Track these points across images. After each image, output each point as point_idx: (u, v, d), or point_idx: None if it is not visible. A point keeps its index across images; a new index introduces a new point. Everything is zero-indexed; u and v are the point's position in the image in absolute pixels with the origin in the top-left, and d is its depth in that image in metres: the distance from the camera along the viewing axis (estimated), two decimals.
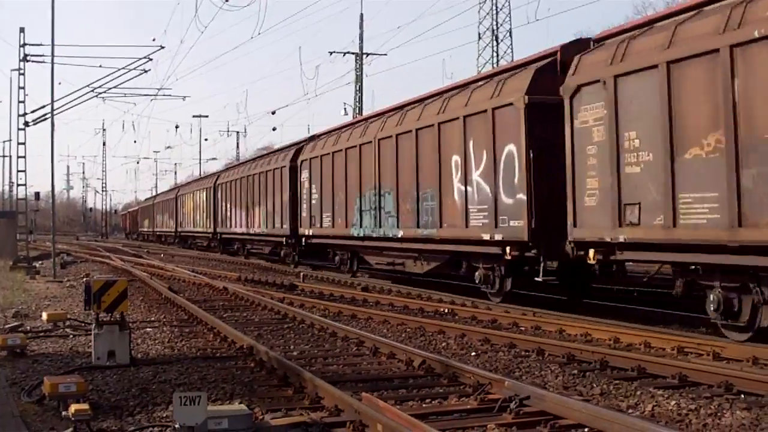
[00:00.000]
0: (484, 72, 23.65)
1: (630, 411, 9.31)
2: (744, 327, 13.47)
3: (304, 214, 34.84)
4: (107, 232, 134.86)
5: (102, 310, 12.60)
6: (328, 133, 34.94)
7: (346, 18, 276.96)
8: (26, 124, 37.43)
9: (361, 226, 28.28)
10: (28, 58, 37.47)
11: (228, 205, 50.57)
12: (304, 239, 35.57)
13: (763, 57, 12.57)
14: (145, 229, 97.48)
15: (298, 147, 37.83)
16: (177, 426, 7.92)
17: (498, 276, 20.35)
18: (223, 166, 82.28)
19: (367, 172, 27.68)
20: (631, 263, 18.21)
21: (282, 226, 38.30)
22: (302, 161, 35.46)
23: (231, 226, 49.87)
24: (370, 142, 27.35)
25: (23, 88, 37.71)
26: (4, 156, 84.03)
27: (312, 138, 37.36)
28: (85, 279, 20.05)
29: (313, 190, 33.83)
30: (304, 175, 35.09)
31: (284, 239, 38.75)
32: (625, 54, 15.64)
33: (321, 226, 32.80)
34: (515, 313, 18.00)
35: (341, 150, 30.32)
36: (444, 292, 22.80)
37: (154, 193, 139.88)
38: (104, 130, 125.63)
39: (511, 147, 19.05)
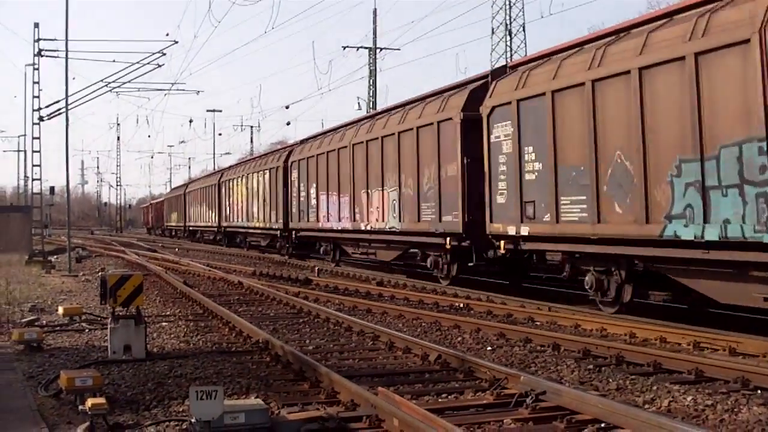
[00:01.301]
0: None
1: (646, 406, 9.30)
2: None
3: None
4: (122, 226, 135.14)
5: (118, 305, 12.64)
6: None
7: (359, 13, 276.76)
8: (41, 118, 37.57)
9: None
10: (42, 53, 37.62)
11: (313, 190, 36.30)
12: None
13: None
14: (173, 224, 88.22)
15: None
16: (193, 420, 7.93)
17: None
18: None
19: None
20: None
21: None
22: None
23: (326, 220, 34.64)
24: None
25: (38, 82, 37.91)
26: (19, 151, 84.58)
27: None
28: (100, 273, 20.08)
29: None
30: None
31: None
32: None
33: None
34: (531, 307, 17.99)
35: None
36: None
37: (168, 188, 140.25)
38: (118, 124, 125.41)
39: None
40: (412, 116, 25.78)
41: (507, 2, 62.84)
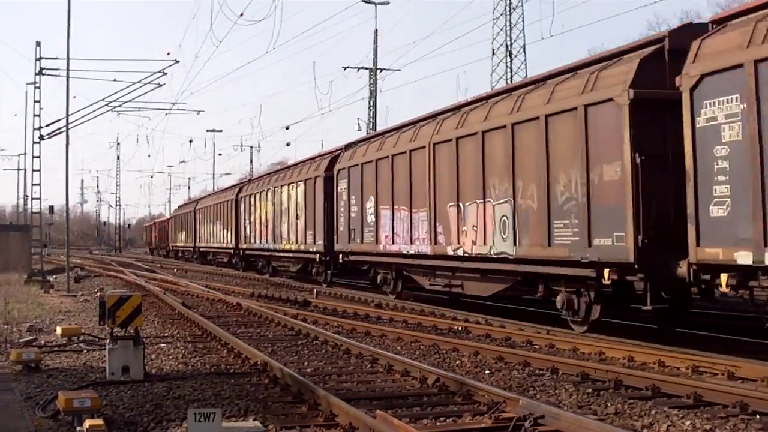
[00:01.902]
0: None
1: (645, 430, 9.30)
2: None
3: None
4: (120, 246, 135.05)
5: (116, 325, 12.63)
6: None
7: (360, 33, 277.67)
8: (41, 137, 37.64)
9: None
10: (43, 71, 37.70)
11: (370, 204, 29.25)
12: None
13: None
14: (181, 244, 79.88)
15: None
16: None
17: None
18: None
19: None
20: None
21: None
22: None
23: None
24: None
25: (38, 101, 37.97)
26: (19, 170, 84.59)
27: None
28: (99, 294, 20.07)
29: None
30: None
31: (233, 251, 51.71)
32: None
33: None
34: (529, 331, 17.98)
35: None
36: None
37: (168, 208, 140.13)
38: (118, 144, 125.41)
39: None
40: (534, 102, 19.20)
41: (507, 24, 62.99)
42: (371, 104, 65.09)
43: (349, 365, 14.23)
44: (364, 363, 14.30)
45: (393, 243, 26.38)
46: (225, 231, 55.88)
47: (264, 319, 21.58)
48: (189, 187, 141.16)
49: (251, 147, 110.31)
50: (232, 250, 54.29)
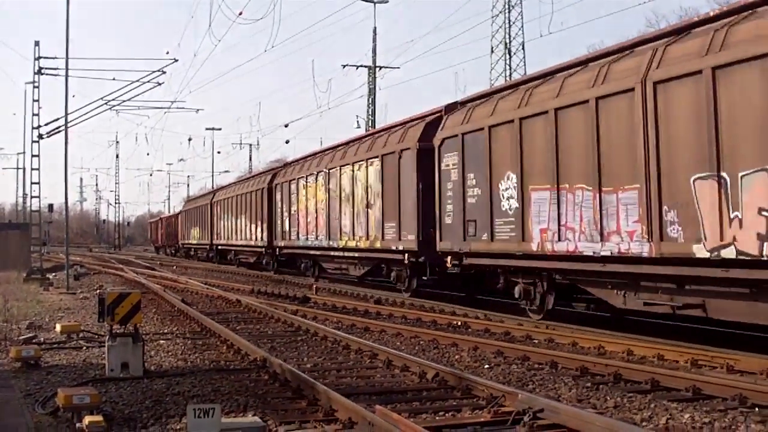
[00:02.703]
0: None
1: (644, 424, 9.30)
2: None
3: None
4: (120, 244, 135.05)
5: (116, 322, 12.64)
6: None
7: (359, 31, 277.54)
8: (40, 136, 37.65)
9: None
10: (42, 71, 37.69)
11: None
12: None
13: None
14: (193, 242, 70.85)
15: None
16: None
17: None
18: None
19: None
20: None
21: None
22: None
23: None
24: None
25: (37, 100, 37.97)
26: (18, 168, 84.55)
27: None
28: (98, 291, 20.07)
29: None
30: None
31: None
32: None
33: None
34: (528, 325, 18.00)
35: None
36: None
37: (168, 205, 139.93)
38: (117, 142, 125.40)
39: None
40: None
41: (506, 21, 62.99)
42: (370, 102, 65.12)
43: (349, 361, 14.24)
44: (364, 358, 14.31)
45: (560, 239, 18.02)
46: (253, 226, 47.27)
47: (263, 316, 21.59)
48: (188, 185, 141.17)
49: (250, 145, 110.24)
50: (262, 249, 45.73)
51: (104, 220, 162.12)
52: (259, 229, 45.89)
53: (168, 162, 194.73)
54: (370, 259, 30.62)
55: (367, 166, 29.55)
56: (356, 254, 31.51)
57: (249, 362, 13.90)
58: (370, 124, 63.07)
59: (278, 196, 42.26)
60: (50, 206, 53.99)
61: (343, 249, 32.32)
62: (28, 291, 30.65)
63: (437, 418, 9.67)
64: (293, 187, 39.55)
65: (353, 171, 30.98)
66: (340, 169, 32.44)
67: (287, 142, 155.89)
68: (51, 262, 53.94)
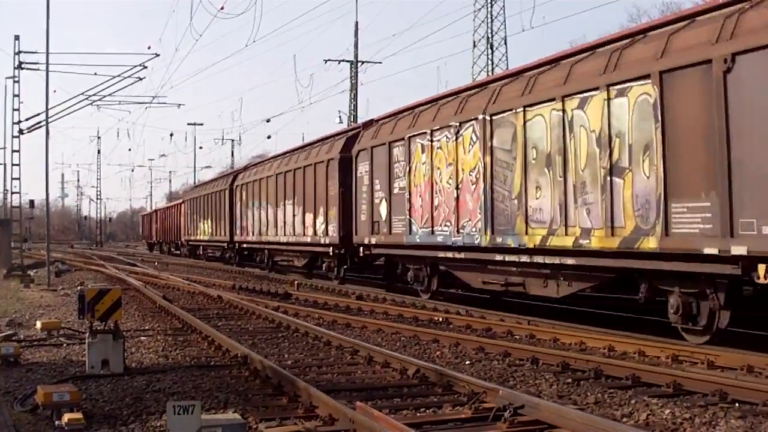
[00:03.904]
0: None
1: (624, 420, 9.31)
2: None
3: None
4: (102, 240, 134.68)
5: (96, 319, 12.57)
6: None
7: (340, 26, 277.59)
8: (21, 131, 37.49)
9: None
10: (22, 65, 37.51)
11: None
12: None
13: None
14: (204, 238, 57.78)
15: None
16: None
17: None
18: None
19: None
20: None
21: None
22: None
23: None
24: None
25: (18, 95, 37.77)
26: None
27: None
28: (79, 288, 20.00)
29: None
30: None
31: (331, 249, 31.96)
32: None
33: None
34: (510, 321, 18.01)
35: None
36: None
37: (150, 201, 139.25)
38: (99, 137, 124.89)
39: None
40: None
41: (489, 16, 63.12)
42: (352, 97, 65.23)
43: (330, 357, 14.21)
44: (345, 354, 14.29)
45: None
46: (309, 216, 34.02)
47: (245, 312, 21.56)
48: (170, 181, 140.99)
49: (232, 140, 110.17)
50: (328, 248, 31.91)
51: (86, 217, 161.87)
52: (318, 220, 33.05)
53: (150, 158, 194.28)
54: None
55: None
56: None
57: (230, 359, 13.87)
58: (352, 119, 63.08)
59: (359, 170, 28.43)
60: (31, 202, 53.81)
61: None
62: (9, 288, 30.58)
63: (418, 414, 9.65)
64: (393, 151, 26.24)
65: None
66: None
67: (269, 137, 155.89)
68: (32, 259, 53.73)
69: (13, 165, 38.26)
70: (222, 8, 38.33)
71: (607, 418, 9.08)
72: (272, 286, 30.62)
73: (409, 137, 24.29)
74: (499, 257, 19.83)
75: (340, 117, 65.13)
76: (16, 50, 37.50)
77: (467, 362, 13.46)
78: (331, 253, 32.00)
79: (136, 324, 19.26)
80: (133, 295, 26.84)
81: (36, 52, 37.66)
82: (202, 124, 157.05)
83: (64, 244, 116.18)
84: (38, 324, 17.47)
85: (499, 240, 19.55)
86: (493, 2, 63.02)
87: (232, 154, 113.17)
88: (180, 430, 7.82)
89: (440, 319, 18.97)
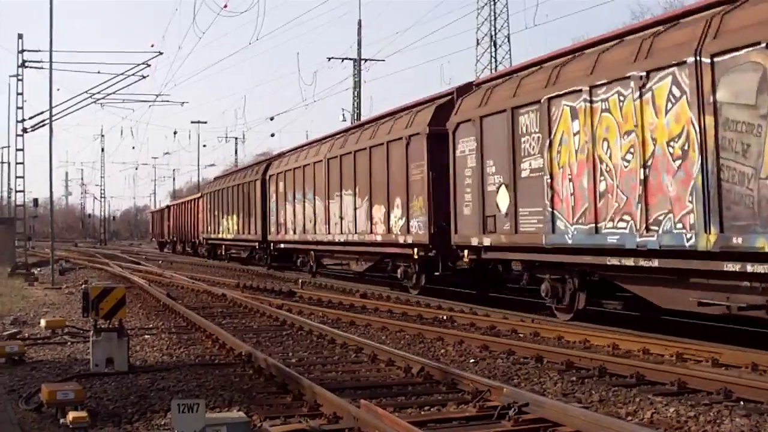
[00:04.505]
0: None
1: (629, 418, 9.30)
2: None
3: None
4: (105, 238, 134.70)
5: (100, 317, 12.58)
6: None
7: (344, 24, 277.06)
8: (24, 130, 37.40)
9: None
10: (26, 64, 37.46)
11: None
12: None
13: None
14: (228, 237, 50.39)
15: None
16: None
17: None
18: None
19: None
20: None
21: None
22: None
23: None
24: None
25: (21, 94, 37.71)
26: (2, 162, 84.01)
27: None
28: (83, 286, 20.02)
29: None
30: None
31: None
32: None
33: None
34: (514, 319, 18.00)
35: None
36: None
37: (154, 199, 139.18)
38: (102, 136, 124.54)
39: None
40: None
41: (492, 14, 63.10)
42: (356, 95, 65.19)
43: (334, 355, 14.21)
44: (349, 353, 14.29)
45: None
46: (379, 210, 27.27)
47: (249, 310, 21.55)
48: (174, 179, 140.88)
49: (236, 138, 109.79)
50: (410, 249, 24.87)
51: (90, 215, 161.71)
52: (405, 214, 25.32)
53: (153, 156, 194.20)
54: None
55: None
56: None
57: (234, 357, 13.87)
58: (355, 117, 63.03)
59: (464, 147, 22.06)
60: (35, 201, 53.89)
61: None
62: (13, 286, 30.57)
63: (422, 412, 9.65)
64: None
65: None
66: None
67: (272, 135, 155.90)
68: (36, 257, 53.70)
69: (17, 163, 38.26)
70: (225, 6, 38.03)
71: (611, 416, 9.07)
72: (276, 284, 30.58)
73: (549, 99, 17.62)
74: (732, 267, 13.24)
75: (343, 115, 65.05)
76: (20, 48, 37.46)
77: (471, 360, 13.45)
78: (415, 256, 24.46)
79: (140, 322, 19.26)
80: (137, 293, 26.86)
81: (39, 51, 37.60)
82: (205, 122, 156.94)
83: (68, 243, 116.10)
84: (42, 322, 17.49)
85: (736, 241, 13.03)
86: (496, 0, 62.98)
87: (236, 152, 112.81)
88: (185, 428, 7.82)
89: (444, 318, 18.95)
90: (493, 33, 63.06)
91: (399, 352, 13.24)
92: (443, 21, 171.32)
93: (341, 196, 30.39)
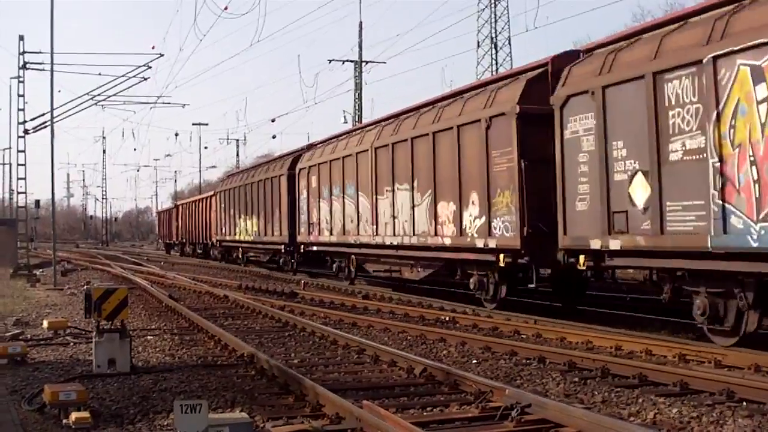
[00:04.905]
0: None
1: (631, 419, 9.30)
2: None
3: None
4: (107, 239, 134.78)
5: (102, 318, 12.59)
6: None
7: (345, 26, 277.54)
8: (26, 131, 37.45)
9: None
10: (27, 65, 37.49)
11: None
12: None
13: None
14: (247, 239, 45.85)
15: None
16: None
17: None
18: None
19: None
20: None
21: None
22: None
23: None
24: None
25: (23, 95, 37.74)
26: (4, 164, 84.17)
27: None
28: (85, 287, 20.04)
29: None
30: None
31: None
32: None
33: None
34: (516, 320, 17.98)
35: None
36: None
37: (155, 201, 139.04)
38: (104, 137, 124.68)
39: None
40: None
41: (492, 16, 63.06)
42: (357, 97, 65.05)
43: (336, 356, 14.21)
44: (351, 353, 14.29)
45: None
46: (447, 207, 22.58)
47: (251, 311, 21.55)
48: (175, 181, 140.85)
49: (237, 140, 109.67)
50: (493, 254, 20.30)
51: (91, 216, 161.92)
52: (485, 213, 20.61)
53: (155, 157, 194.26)
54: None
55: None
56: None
57: (236, 358, 13.87)
58: (356, 119, 63.03)
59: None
60: (37, 202, 53.97)
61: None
62: (15, 287, 30.59)
63: (425, 413, 9.66)
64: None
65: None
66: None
67: (274, 137, 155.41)
68: (38, 258, 53.73)
69: (18, 165, 38.41)
70: (226, 8, 37.96)
71: (614, 417, 9.07)
72: (278, 285, 30.59)
73: (714, 58, 13.39)
74: None
75: (345, 117, 65.00)
76: (21, 50, 37.50)
77: (474, 361, 13.45)
78: (501, 263, 19.66)
79: (142, 323, 19.26)
80: (139, 295, 26.86)
81: (41, 52, 37.66)
82: (207, 124, 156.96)
83: (69, 244, 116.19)
84: (45, 323, 17.49)
85: None
86: (497, 2, 62.98)
87: (237, 154, 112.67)
88: (187, 429, 7.83)
89: (447, 319, 18.94)
90: (493, 35, 63.05)
91: (401, 353, 13.24)
92: (444, 23, 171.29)
93: (393, 191, 25.54)
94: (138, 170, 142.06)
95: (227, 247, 52.85)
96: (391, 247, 25.97)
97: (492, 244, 19.83)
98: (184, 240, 71.03)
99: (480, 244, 20.32)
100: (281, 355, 14.30)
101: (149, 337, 16.79)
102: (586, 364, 12.41)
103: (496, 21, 63.05)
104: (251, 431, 8.28)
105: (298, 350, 14.98)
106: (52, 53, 33.26)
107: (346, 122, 63.52)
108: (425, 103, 25.67)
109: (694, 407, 9.71)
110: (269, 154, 75.81)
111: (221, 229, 52.79)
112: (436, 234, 22.62)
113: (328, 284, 30.66)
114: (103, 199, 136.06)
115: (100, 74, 42.21)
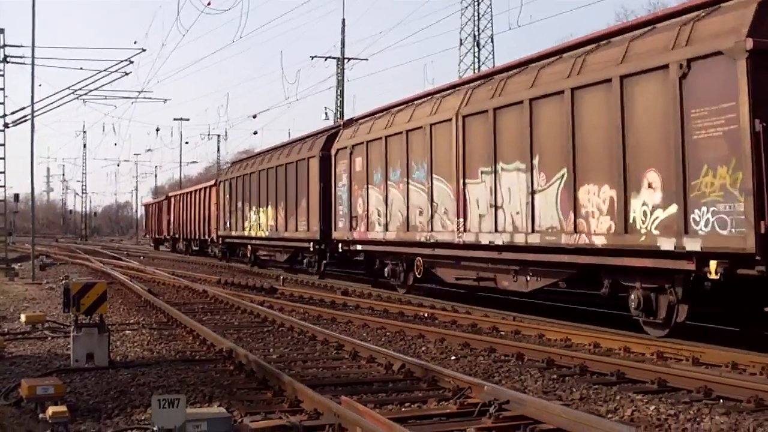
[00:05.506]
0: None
1: (609, 416, 9.31)
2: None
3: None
4: (87, 234, 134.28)
5: (81, 313, 12.54)
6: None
7: (327, 23, 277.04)
8: (6, 125, 37.20)
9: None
10: (8, 59, 37.26)
11: None
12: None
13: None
14: (260, 236, 40.00)
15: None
16: (155, 429, 7.88)
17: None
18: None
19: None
20: None
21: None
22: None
23: None
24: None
25: (3, 89, 37.48)
26: None
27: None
28: (64, 281, 19.95)
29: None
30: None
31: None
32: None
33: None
34: (495, 317, 18.02)
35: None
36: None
37: (135, 196, 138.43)
38: (84, 132, 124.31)
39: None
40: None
41: (475, 14, 63.10)
42: (339, 93, 65.08)
43: (315, 352, 14.19)
44: (330, 349, 14.27)
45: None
46: (578, 194, 16.64)
47: (230, 307, 21.50)
48: (156, 176, 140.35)
49: (218, 136, 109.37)
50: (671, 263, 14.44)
51: (71, 211, 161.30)
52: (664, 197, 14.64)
53: (135, 152, 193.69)
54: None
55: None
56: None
57: (215, 353, 13.83)
58: (338, 116, 62.98)
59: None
60: (16, 196, 53.44)
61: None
62: None
63: (403, 409, 9.65)
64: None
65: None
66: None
67: (255, 132, 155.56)
68: (17, 253, 53.43)
69: None
70: (209, 4, 37.89)
71: (592, 413, 9.07)
72: (258, 281, 30.54)
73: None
74: None
75: (326, 113, 65.00)
76: (1, 44, 37.26)
77: (453, 358, 13.46)
78: (713, 274, 13.39)
79: (121, 318, 19.20)
80: (118, 289, 26.77)
81: (21, 46, 37.63)
82: (188, 120, 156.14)
83: (49, 238, 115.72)
84: (23, 317, 17.41)
85: None
86: (480, 0, 63.02)
87: (218, 149, 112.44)
88: (165, 423, 7.80)
89: (426, 315, 18.95)
90: (476, 33, 63.12)
91: (380, 349, 13.24)
92: (427, 21, 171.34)
93: (495, 172, 19.45)
94: (118, 165, 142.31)
95: (231, 244, 47.29)
96: (485, 248, 19.99)
97: (693, 245, 13.63)
98: (176, 235, 64.86)
99: (668, 245, 14.13)
100: (260, 350, 14.28)
101: (128, 332, 16.73)
102: (565, 362, 12.43)
103: (479, 19, 63.18)
104: (229, 426, 8.26)
105: (276, 345, 14.96)
106: (33, 47, 33.12)
107: (327, 119, 63.55)
108: (531, 58, 19.45)
109: (672, 405, 9.74)
110: (250, 150, 75.66)
111: (225, 224, 46.95)
112: (575, 231, 16.52)
113: (308, 280, 30.64)
114: (82, 193, 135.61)
115: (81, 68, 42.07)
